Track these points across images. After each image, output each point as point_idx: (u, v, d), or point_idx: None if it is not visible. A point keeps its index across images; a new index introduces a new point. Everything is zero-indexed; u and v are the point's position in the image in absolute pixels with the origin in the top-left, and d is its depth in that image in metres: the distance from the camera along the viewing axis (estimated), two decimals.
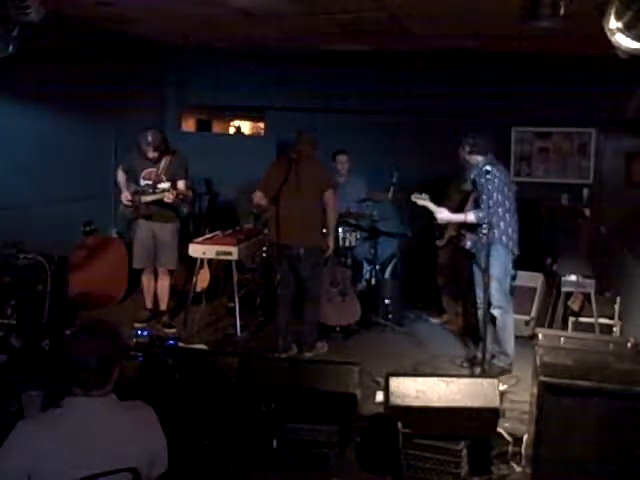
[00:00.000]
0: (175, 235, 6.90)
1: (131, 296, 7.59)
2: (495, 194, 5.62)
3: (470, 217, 5.77)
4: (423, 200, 5.98)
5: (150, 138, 6.55)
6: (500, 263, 5.69)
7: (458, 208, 6.33)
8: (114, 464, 2.58)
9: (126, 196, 6.68)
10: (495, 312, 5.72)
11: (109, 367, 2.69)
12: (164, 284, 6.95)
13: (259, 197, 6.31)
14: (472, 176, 5.88)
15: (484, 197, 5.62)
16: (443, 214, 5.96)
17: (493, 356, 5.85)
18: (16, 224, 6.37)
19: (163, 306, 6.96)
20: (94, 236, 7.57)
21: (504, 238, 5.74)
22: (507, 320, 5.84)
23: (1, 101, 6.54)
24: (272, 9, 6.30)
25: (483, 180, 5.63)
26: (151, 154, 6.61)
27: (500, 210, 5.69)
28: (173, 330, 6.79)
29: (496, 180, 5.64)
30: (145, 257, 6.86)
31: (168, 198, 6.54)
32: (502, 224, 5.71)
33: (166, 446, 2.82)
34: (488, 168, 5.59)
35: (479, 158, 5.84)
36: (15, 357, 4.91)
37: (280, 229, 6.12)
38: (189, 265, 7.32)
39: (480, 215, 5.63)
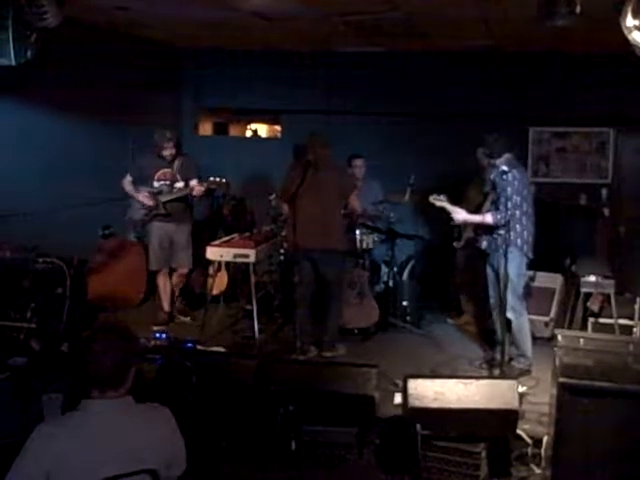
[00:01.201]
0: (189, 236, 7.02)
1: (150, 299, 7.62)
2: (514, 196, 5.59)
3: (487, 219, 5.74)
4: (441, 201, 5.97)
5: (169, 134, 6.75)
6: (514, 266, 5.65)
7: (477, 209, 6.31)
8: (132, 466, 2.60)
9: (146, 196, 6.74)
10: (509, 315, 5.69)
11: (124, 368, 2.71)
12: (179, 284, 7.10)
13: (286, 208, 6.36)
14: (491, 177, 5.85)
15: (502, 199, 5.59)
16: (460, 215, 5.93)
17: (511, 358, 5.82)
18: (35, 228, 6.41)
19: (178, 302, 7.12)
20: (113, 239, 7.61)
21: (519, 241, 5.71)
22: (522, 322, 5.81)
23: (20, 106, 6.60)
24: (287, 12, 6.31)
25: (502, 182, 5.60)
26: (169, 151, 6.73)
27: (517, 212, 5.65)
28: (187, 318, 7.03)
29: (516, 182, 5.62)
30: (161, 259, 6.93)
31: (198, 191, 6.71)
32: (518, 227, 5.68)
33: (184, 446, 2.84)
34: (505, 169, 5.57)
35: (497, 160, 5.82)
36: (35, 360, 4.94)
37: (300, 233, 6.11)
38: (207, 268, 7.37)
39: (498, 217, 5.61)
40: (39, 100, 6.78)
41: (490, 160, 5.91)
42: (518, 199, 5.64)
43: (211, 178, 6.74)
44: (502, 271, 5.50)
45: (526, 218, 5.75)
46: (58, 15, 4.41)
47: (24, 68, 4.69)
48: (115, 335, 2.76)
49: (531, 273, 6.53)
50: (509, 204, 5.54)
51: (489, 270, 5.87)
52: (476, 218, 5.93)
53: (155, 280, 7.10)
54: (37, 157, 6.79)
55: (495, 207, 5.74)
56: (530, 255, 5.82)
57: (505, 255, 5.42)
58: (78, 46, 6.96)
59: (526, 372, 5.76)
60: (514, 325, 5.75)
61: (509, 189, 5.58)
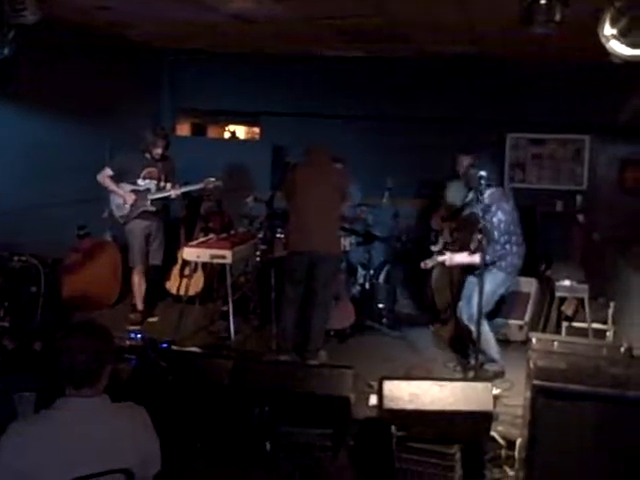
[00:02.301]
0: (164, 233, 7.17)
1: (124, 299, 7.57)
2: (501, 237, 5.62)
3: (476, 259, 5.55)
4: (432, 262, 5.97)
5: (164, 133, 6.93)
6: (494, 284, 5.69)
7: (454, 215, 6.33)
8: (107, 465, 2.58)
9: (131, 196, 6.76)
10: (469, 324, 5.74)
11: (100, 365, 2.70)
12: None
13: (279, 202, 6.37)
14: (478, 211, 5.58)
15: (491, 238, 5.56)
16: (451, 260, 5.87)
17: (482, 364, 5.85)
18: (10, 227, 6.35)
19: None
20: (88, 239, 7.56)
21: (509, 268, 5.76)
22: (482, 330, 5.76)
23: None
24: (268, 14, 6.30)
25: (488, 224, 5.52)
26: (160, 150, 6.81)
27: (507, 246, 5.68)
28: (155, 318, 7.14)
29: (502, 225, 5.62)
30: (142, 256, 6.96)
31: (176, 196, 6.92)
32: (509, 258, 5.72)
33: (159, 446, 2.82)
34: (491, 211, 5.57)
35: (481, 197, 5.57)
36: (8, 359, 4.90)
37: (299, 235, 6.12)
38: (183, 268, 7.37)
39: (487, 258, 5.49)
40: (16, 99, 6.71)
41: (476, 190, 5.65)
42: (505, 237, 5.65)
43: (212, 179, 6.89)
44: (481, 284, 5.52)
45: (516, 246, 5.76)
46: (37, 12, 4.37)
47: (1, 67, 4.65)
48: (92, 332, 2.76)
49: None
50: (497, 246, 5.59)
51: (471, 278, 5.84)
52: (466, 260, 5.80)
53: (130, 278, 7.07)
54: (13, 156, 6.73)
55: (487, 242, 5.55)
56: (515, 276, 5.90)
57: (482, 275, 5.42)
58: (57, 44, 6.91)
59: (500, 374, 5.80)
60: (480, 335, 5.75)
61: (496, 233, 5.60)
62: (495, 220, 5.61)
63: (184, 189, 6.96)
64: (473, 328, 5.68)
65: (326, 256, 6.10)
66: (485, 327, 5.87)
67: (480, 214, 5.48)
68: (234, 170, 8.80)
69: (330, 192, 6.14)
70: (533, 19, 4.30)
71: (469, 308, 5.75)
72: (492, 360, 5.87)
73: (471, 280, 5.85)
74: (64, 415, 2.63)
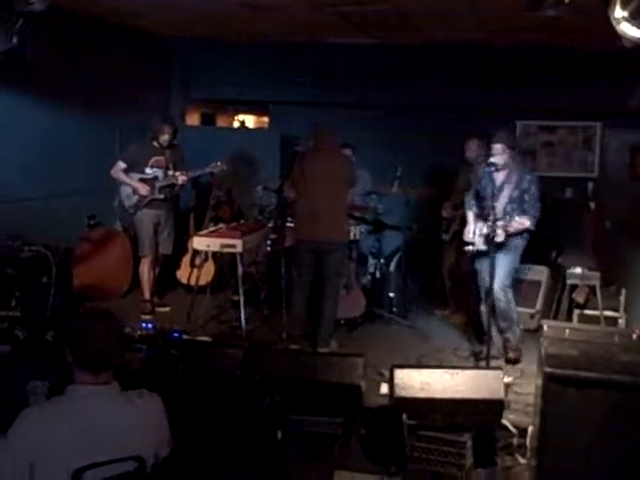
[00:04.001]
0: (174, 222, 7.18)
1: (136, 289, 7.58)
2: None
3: (526, 224, 5.54)
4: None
5: (170, 120, 6.98)
6: (517, 252, 5.79)
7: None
8: (119, 452, 2.59)
9: (144, 186, 6.79)
10: (501, 295, 5.70)
11: (119, 351, 2.75)
12: (157, 270, 7.18)
13: (287, 191, 6.36)
14: (512, 180, 5.74)
15: (532, 201, 5.68)
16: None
17: (507, 340, 5.88)
18: (21, 217, 6.37)
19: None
20: (98, 229, 7.58)
21: (525, 233, 5.77)
22: (509, 295, 5.82)
23: (5, 95, 6.53)
24: (276, 2, 6.28)
25: (532, 186, 5.69)
26: (167, 137, 6.81)
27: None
28: (166, 308, 7.13)
29: (537, 179, 5.79)
30: (152, 245, 6.98)
31: (182, 181, 6.90)
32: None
33: (169, 431, 2.84)
34: (528, 172, 5.80)
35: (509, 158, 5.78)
36: (19, 348, 4.91)
37: (306, 224, 6.10)
38: (194, 257, 7.38)
39: (534, 220, 5.61)
40: (25, 89, 6.71)
41: (505, 157, 5.73)
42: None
43: (218, 162, 6.94)
44: (499, 262, 5.57)
45: None
46: (44, 0, 4.36)
47: (9, 57, 4.64)
48: (111, 319, 2.78)
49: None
50: (537, 205, 5.67)
51: (485, 265, 5.73)
52: (521, 226, 5.59)
53: (138, 267, 7.10)
54: (24, 146, 6.73)
55: (522, 210, 5.66)
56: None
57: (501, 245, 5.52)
58: (65, 36, 6.91)
59: (518, 350, 5.82)
60: (504, 302, 5.75)
61: (538, 193, 5.71)
62: (535, 178, 5.76)
63: (191, 174, 6.98)
64: (502, 297, 5.71)
65: (333, 244, 6.09)
66: (510, 294, 5.88)
67: (517, 180, 5.72)
68: (243, 159, 8.80)
69: (336, 179, 6.11)
70: (543, 2, 4.27)
71: (497, 278, 5.67)
72: (513, 331, 5.84)
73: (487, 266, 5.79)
74: (76, 402, 2.64)
